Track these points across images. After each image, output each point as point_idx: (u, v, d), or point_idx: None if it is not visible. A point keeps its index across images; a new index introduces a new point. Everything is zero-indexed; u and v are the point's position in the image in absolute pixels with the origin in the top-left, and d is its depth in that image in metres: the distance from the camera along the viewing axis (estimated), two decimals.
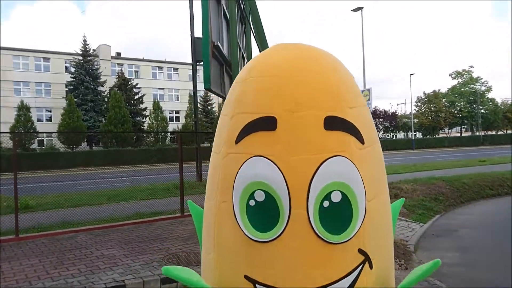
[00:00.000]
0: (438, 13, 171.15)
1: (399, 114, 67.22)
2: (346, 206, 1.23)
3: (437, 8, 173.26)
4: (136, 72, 52.16)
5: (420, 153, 43.75)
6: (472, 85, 68.05)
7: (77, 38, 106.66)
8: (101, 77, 44.07)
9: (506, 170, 16.26)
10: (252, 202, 1.25)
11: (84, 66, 42.74)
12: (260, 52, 8.51)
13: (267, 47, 8.38)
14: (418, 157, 33.01)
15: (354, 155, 1.27)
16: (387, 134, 63.28)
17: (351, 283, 1.27)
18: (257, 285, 1.28)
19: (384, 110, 60.13)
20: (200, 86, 8.41)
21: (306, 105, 1.24)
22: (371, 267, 1.31)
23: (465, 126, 72.45)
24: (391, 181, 11.67)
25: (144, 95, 46.89)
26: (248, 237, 1.25)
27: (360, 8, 26.30)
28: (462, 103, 67.78)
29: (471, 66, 75.52)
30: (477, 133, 67.32)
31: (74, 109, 37.99)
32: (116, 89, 42.24)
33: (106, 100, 42.69)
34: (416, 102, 67.69)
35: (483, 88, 68.54)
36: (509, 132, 69.07)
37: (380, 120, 57.98)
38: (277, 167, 1.22)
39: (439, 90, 68.23)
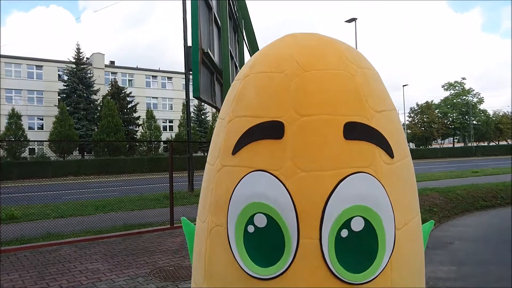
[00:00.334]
0: (430, 26, 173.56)
1: None
2: (370, 236, 0.97)
3: (430, 22, 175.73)
4: (130, 80, 51.98)
5: (414, 163, 43.23)
6: (464, 97, 68.74)
7: (71, 46, 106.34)
8: (94, 85, 43.82)
9: (499, 181, 16.22)
10: (251, 228, 1.00)
11: (77, 74, 42.46)
12: None
13: None
14: None
15: (381, 171, 1.01)
16: None
17: None
18: None
19: None
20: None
21: (322, 107, 1.00)
22: None
23: (457, 137, 72.92)
24: None
25: (137, 104, 46.69)
26: (245, 272, 1.00)
27: (354, 19, 26.44)
28: (454, 114, 68.33)
29: (463, 78, 76.39)
30: (470, 144, 67.74)
31: (66, 117, 37.64)
32: (109, 97, 42.00)
33: (99, 108, 42.42)
34: (409, 113, 68.21)
35: (475, 99, 69.29)
36: (501, 143, 69.58)
37: None
38: (283, 185, 0.97)
39: (432, 101, 68.91)
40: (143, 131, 43.96)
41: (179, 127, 46.22)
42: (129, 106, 45.92)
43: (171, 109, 53.95)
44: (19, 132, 37.12)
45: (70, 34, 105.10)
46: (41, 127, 44.88)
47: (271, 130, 1.00)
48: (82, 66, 43.25)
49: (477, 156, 58.22)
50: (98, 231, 8.55)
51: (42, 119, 45.26)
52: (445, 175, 23.01)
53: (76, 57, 42.90)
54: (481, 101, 69.42)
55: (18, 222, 9.41)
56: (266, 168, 0.99)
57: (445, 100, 69.43)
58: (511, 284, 5.44)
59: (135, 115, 45.74)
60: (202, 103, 45.40)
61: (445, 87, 70.54)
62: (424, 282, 1.22)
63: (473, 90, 69.80)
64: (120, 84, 47.66)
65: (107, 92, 44.51)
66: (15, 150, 34.54)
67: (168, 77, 55.16)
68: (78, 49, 42.97)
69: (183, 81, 46.62)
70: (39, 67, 45.89)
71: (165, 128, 51.19)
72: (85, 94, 42.26)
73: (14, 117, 37.46)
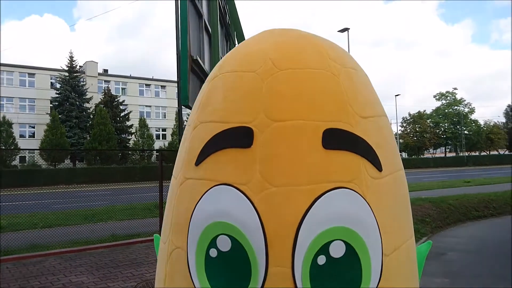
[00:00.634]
0: (422, 37, 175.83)
1: None
2: (352, 264, 0.81)
3: (422, 32, 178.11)
4: (123, 89, 51.83)
5: (406, 173, 43.45)
6: (455, 107, 69.42)
7: (65, 54, 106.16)
8: (87, 93, 43.64)
9: (491, 192, 16.25)
10: (213, 252, 0.84)
11: (70, 82, 42.27)
12: None
13: None
14: None
15: (367, 187, 0.85)
16: None
17: None
18: None
19: None
20: None
21: (297, 111, 0.84)
22: None
23: (449, 147, 73.46)
24: None
25: (130, 112, 46.52)
26: None
27: (346, 29, 26.61)
28: (446, 124, 68.91)
29: (455, 88, 77.25)
30: (461, 154, 68.24)
31: (58, 125, 37.36)
32: (102, 105, 41.82)
33: (91, 116, 42.21)
34: (402, 123, 68.68)
35: (466, 109, 69.96)
36: (492, 153, 70.19)
37: None
38: (251, 202, 0.81)
39: (424, 111, 69.51)
40: (135, 139, 43.72)
41: (172, 136, 46.06)
42: (122, 114, 45.74)
43: (164, 117, 53.79)
44: (10, 140, 36.72)
45: (63, 43, 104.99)
46: (32, 135, 44.49)
47: (238, 138, 0.86)
48: (75, 74, 43.10)
49: (469, 166, 58.59)
50: (85, 242, 8.37)
51: (33, 127, 44.87)
52: (437, 184, 23.05)
53: (69, 65, 42.77)
54: (472, 111, 70.16)
55: (3, 232, 9.18)
56: (232, 181, 0.85)
57: (437, 110, 70.06)
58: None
59: (128, 123, 45.54)
60: None
61: (437, 97, 71.33)
62: None
63: (464, 100, 70.56)
64: (113, 92, 47.52)
65: (100, 100, 44.34)
66: (5, 158, 34.13)
67: (161, 86, 55.09)
68: (71, 57, 42.88)
69: (177, 90, 46.37)
70: (31, 75, 45.61)
71: (158, 137, 50.97)
72: (77, 102, 42.03)
73: (5, 125, 37.10)
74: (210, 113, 0.93)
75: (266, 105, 0.86)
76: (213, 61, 6.22)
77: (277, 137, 0.83)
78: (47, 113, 41.15)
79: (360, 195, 0.84)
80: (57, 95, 42.36)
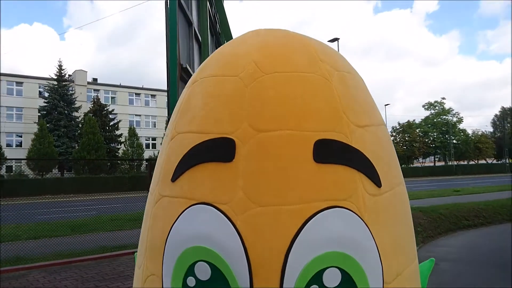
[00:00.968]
0: (411, 47, 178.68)
1: None
2: None
3: (411, 43, 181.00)
4: (112, 98, 51.52)
5: None
6: (444, 116, 70.27)
7: (54, 63, 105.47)
8: (76, 102, 43.30)
9: (480, 201, 16.34)
10: (191, 281, 0.74)
11: (59, 91, 41.87)
12: None
13: None
14: None
15: (364, 205, 0.75)
16: None
17: None
18: None
19: None
20: None
21: (284, 120, 0.75)
22: None
23: (438, 156, 74.17)
24: None
25: (120, 121, 46.20)
26: None
27: (336, 39, 26.83)
28: (435, 133, 69.67)
29: (443, 98, 78.07)
30: (450, 163, 68.91)
31: (46, 134, 36.85)
32: (91, 114, 41.45)
33: (80, 126, 41.80)
34: (391, 132, 69.22)
35: (455, 119, 70.86)
36: (480, 162, 71.01)
37: None
38: (232, 224, 0.71)
39: (414, 120, 70.23)
40: (125, 148, 43.33)
41: (162, 145, 45.83)
42: (111, 123, 45.40)
43: (154, 126, 53.54)
44: None
45: (53, 51, 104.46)
46: (19, 144, 43.85)
47: (218, 150, 0.76)
48: (63, 83, 42.73)
49: (458, 175, 59.12)
50: (72, 254, 8.14)
51: (21, 136, 44.28)
52: (427, 194, 23.14)
53: (58, 74, 42.40)
54: (460, 120, 71.10)
55: None
56: (211, 200, 0.74)
57: (426, 119, 70.86)
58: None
59: (117, 132, 45.17)
60: None
61: (426, 106, 72.19)
62: None
63: (453, 110, 71.58)
64: (102, 101, 47.24)
65: (89, 109, 43.98)
66: None
67: (151, 95, 54.89)
68: (60, 65, 42.53)
69: (167, 99, 46.13)
70: (19, 83, 45.10)
71: (148, 146, 50.65)
72: (66, 111, 41.62)
73: None
74: (188, 123, 0.83)
75: (249, 113, 0.76)
76: None
77: (262, 150, 0.74)
78: (35, 122, 40.63)
79: (357, 214, 0.74)
80: (45, 104, 41.90)
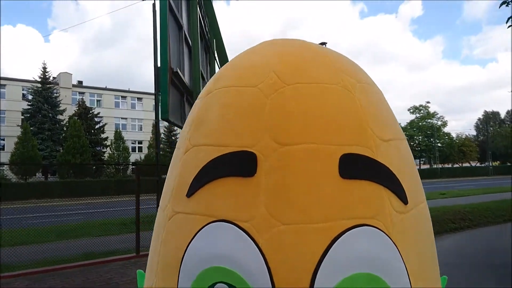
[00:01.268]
0: (396, 52, 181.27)
1: None
2: None
3: (395, 49, 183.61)
4: (98, 101, 50.97)
5: None
6: (429, 120, 71.41)
7: (38, 65, 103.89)
8: (60, 105, 42.67)
9: (466, 203, 16.59)
10: None
11: (43, 94, 41.23)
12: None
13: None
14: None
15: (392, 223, 0.71)
16: None
17: None
18: None
19: None
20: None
21: (308, 133, 0.71)
22: None
23: (423, 159, 75.24)
24: None
25: (105, 124, 45.70)
26: None
27: (324, 43, 27.02)
28: (420, 137, 70.69)
29: (428, 102, 79.46)
30: (435, 166, 69.93)
31: (30, 137, 36.20)
32: (76, 118, 40.91)
33: (65, 129, 41.21)
34: None
35: (439, 122, 72.06)
36: (464, 165, 72.29)
37: None
38: (255, 243, 0.67)
39: (399, 124, 71.21)
40: (111, 152, 42.87)
41: (148, 148, 45.41)
42: (97, 126, 44.88)
43: (141, 130, 53.11)
44: None
45: (37, 54, 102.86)
46: (2, 148, 43.01)
47: (238, 165, 0.71)
48: (48, 85, 42.11)
49: (442, 177, 60.02)
50: (57, 260, 7.96)
51: (3, 139, 43.43)
52: None
53: (42, 76, 41.77)
54: (444, 124, 72.36)
55: None
56: (231, 217, 0.70)
57: (411, 123, 71.90)
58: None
59: (103, 136, 44.67)
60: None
61: (411, 110, 73.28)
62: None
63: (437, 114, 72.77)
64: (88, 104, 46.70)
65: (74, 112, 43.42)
66: None
67: (138, 98, 54.47)
68: (45, 68, 41.93)
69: (153, 102, 46.30)
70: (2, 86, 44.25)
71: (134, 149, 50.19)
72: (50, 114, 41.00)
73: None
74: (204, 135, 0.78)
75: (271, 125, 0.71)
76: (194, 74, 6.09)
77: (285, 164, 0.69)
78: (18, 125, 39.93)
79: (385, 233, 0.69)
80: (29, 107, 41.23)
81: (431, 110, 72.76)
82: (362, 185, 0.70)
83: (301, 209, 0.66)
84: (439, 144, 70.65)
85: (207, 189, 0.72)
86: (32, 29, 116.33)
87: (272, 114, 0.72)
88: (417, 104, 74.74)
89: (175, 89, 5.41)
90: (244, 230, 0.67)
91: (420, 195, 0.83)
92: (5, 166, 34.93)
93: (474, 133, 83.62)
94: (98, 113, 46.00)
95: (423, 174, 63.04)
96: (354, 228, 0.67)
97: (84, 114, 43.34)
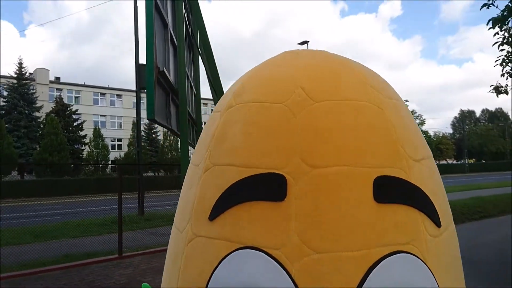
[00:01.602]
0: (376, 52, 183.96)
1: None
2: None
3: (375, 48, 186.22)
4: (76, 97, 49.92)
5: None
6: None
7: (13, 60, 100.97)
8: (37, 102, 41.62)
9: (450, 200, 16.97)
10: None
11: (19, 90, 40.13)
12: (210, 82, 8.10)
13: (219, 78, 7.97)
14: None
15: (427, 248, 0.68)
16: None
17: None
18: None
19: None
20: (144, 114, 7.79)
21: (341, 154, 0.67)
22: None
23: None
24: None
25: (84, 121, 44.81)
26: None
27: (306, 42, 27.14)
28: None
29: (406, 100, 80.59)
30: None
31: (5, 135, 35.17)
32: (54, 115, 39.97)
33: (41, 126, 40.21)
34: None
35: (418, 121, 73.48)
36: (441, 162, 74.00)
37: None
38: (287, 272, 0.62)
39: None
40: (89, 150, 42.07)
41: (128, 146, 44.77)
42: (75, 124, 43.96)
43: (120, 127, 52.30)
44: None
45: (12, 49, 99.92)
46: None
47: (267, 188, 0.66)
48: (24, 81, 40.99)
49: None
50: (36, 263, 7.73)
51: None
52: None
53: (17, 72, 40.62)
54: (423, 122, 73.83)
55: None
56: (261, 245, 0.65)
57: None
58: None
59: (82, 133, 43.80)
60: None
61: None
62: None
63: (416, 112, 74.15)
64: (65, 101, 45.70)
65: (51, 109, 42.41)
66: None
67: (117, 95, 53.58)
68: (20, 63, 40.78)
69: (133, 99, 45.72)
70: None
71: (113, 147, 49.38)
72: (26, 111, 39.95)
73: None
74: (226, 154, 0.73)
75: (301, 146, 0.67)
76: (179, 72, 5.99)
77: (317, 188, 0.64)
78: None
79: (421, 260, 0.66)
80: (4, 103, 40.07)
81: (410, 108, 73.47)
82: (397, 209, 0.66)
83: (336, 236, 0.63)
84: None
85: (232, 212, 0.68)
86: (7, 23, 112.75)
87: (301, 134, 0.68)
88: None
89: (161, 89, 5.30)
90: (274, 258, 0.62)
91: (450, 215, 0.80)
92: None
93: (451, 131, 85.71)
94: (76, 110, 45.06)
95: None
96: (391, 255, 0.63)
97: (62, 111, 42.38)
